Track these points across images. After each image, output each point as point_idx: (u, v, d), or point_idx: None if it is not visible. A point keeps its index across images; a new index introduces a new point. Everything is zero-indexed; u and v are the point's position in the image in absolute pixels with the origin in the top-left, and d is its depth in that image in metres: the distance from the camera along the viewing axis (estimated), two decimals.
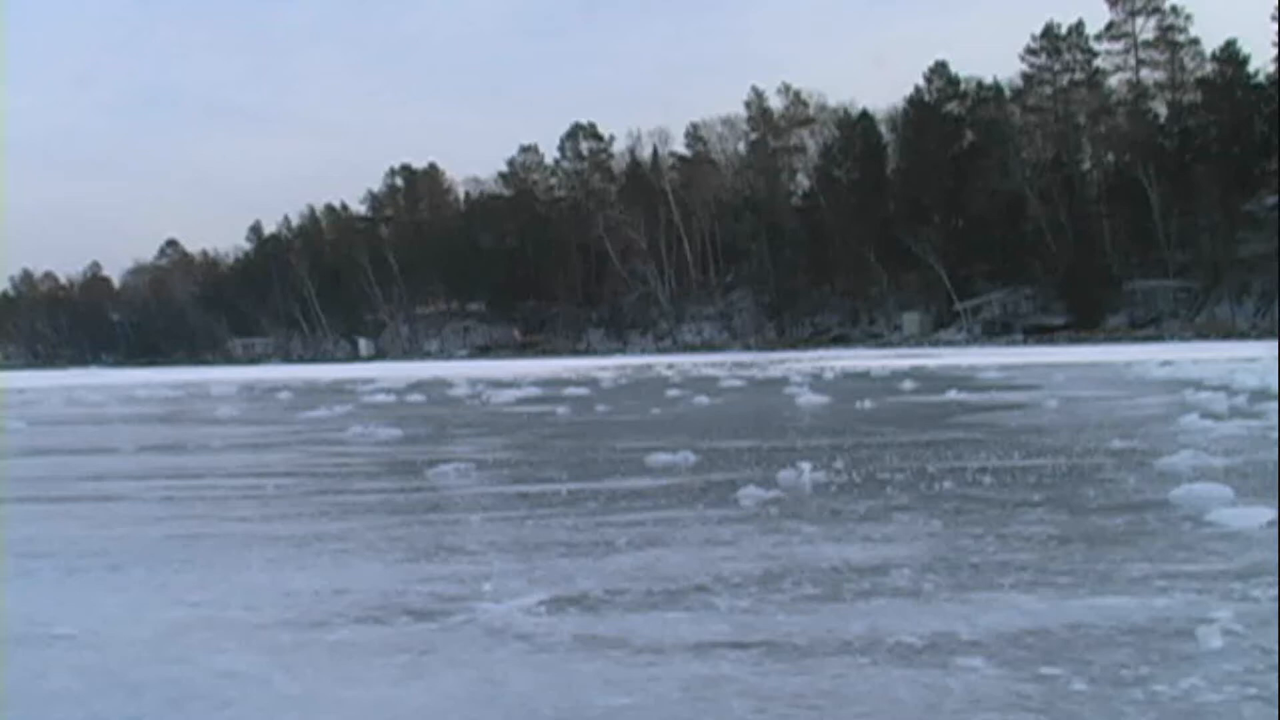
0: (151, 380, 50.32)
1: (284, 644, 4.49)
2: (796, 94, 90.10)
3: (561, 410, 19.23)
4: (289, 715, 3.71)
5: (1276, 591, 4.77)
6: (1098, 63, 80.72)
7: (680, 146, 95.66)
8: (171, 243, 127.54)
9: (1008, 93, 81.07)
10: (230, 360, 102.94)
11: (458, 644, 4.41)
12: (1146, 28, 79.94)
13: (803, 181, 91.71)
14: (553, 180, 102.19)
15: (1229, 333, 63.20)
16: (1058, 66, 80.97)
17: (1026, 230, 76.87)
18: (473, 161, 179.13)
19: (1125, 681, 3.71)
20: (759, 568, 5.62)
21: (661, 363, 55.98)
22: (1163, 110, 77.81)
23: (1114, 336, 68.04)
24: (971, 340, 73.89)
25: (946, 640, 4.23)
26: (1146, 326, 70.21)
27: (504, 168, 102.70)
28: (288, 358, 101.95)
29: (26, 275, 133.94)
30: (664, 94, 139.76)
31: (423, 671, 4.09)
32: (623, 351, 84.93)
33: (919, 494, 8.03)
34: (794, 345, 78.55)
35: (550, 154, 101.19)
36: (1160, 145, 74.20)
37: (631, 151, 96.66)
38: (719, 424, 15.99)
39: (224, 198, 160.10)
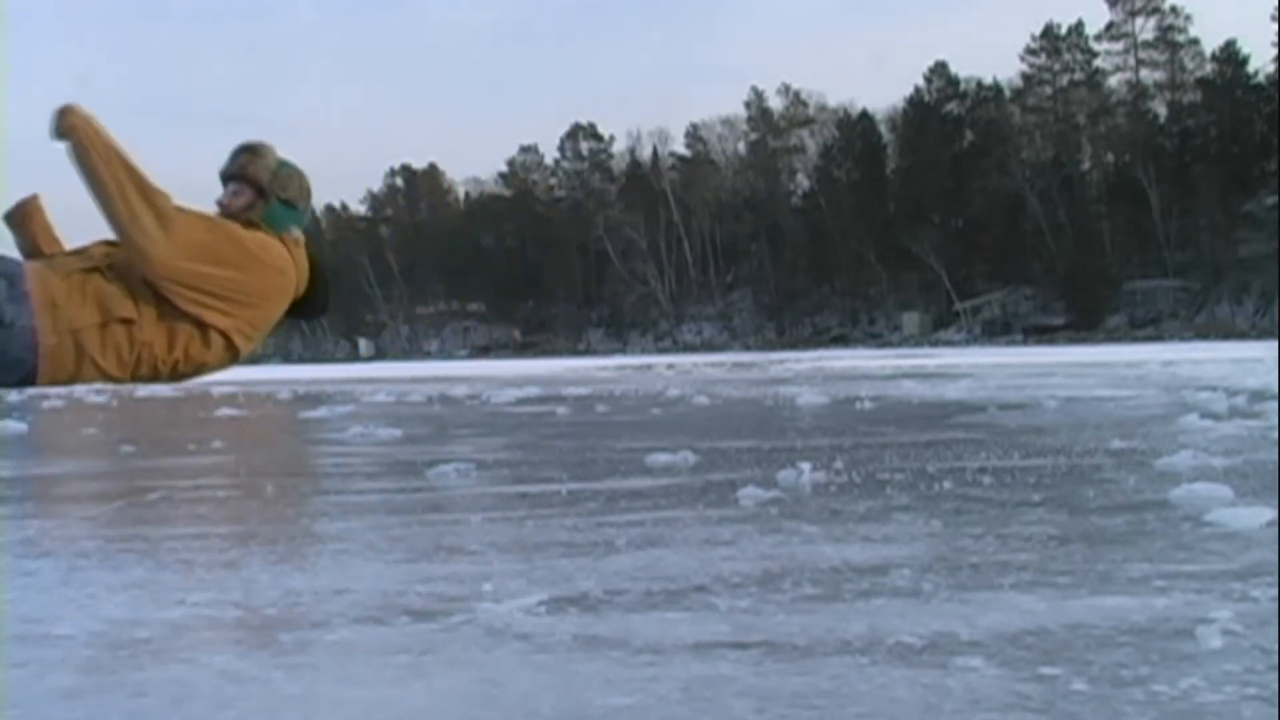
0: None
1: (284, 644, 4.49)
2: (796, 94, 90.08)
3: (561, 410, 19.24)
4: (289, 715, 3.71)
5: (1276, 591, 4.77)
6: (1097, 63, 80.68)
7: (680, 146, 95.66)
8: None
9: (1007, 93, 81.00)
10: None
11: (458, 644, 4.41)
12: (1146, 28, 79.95)
13: (803, 181, 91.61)
14: (553, 180, 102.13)
15: (1229, 333, 63.17)
16: (1057, 67, 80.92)
17: (1026, 230, 76.82)
18: (473, 161, 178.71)
19: (1125, 681, 3.71)
20: (759, 568, 5.62)
21: (661, 363, 55.98)
22: (1162, 110, 77.77)
23: (1114, 336, 68.04)
24: (971, 340, 73.87)
25: (946, 640, 4.23)
26: (1146, 326, 70.19)
27: (504, 168, 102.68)
28: (288, 358, 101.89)
29: None
30: (664, 94, 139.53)
31: (423, 671, 4.09)
32: (623, 352, 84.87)
33: (919, 494, 8.03)
34: (794, 345, 78.49)
35: (550, 154, 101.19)
36: (1160, 145, 74.17)
37: (631, 151, 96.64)
38: (719, 424, 15.99)
39: None
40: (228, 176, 2.78)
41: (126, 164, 2.56)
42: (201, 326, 2.61)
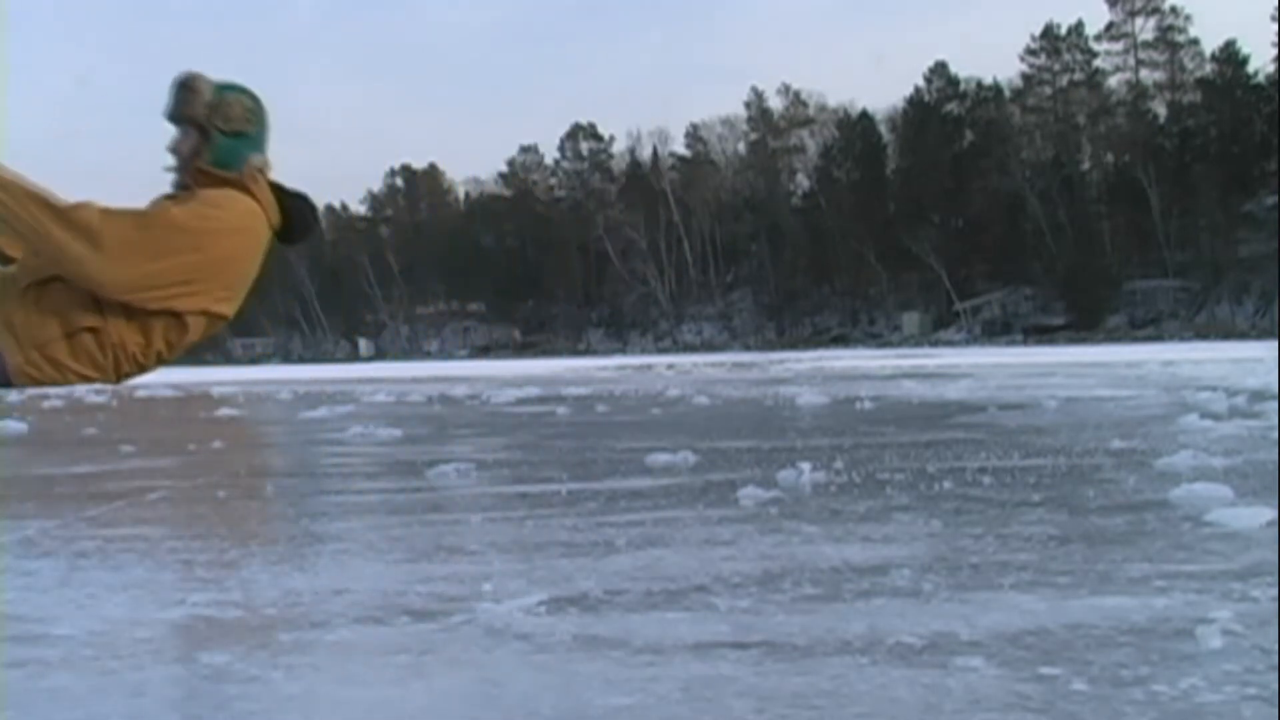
0: (151, 381, 50.31)
1: (284, 644, 4.49)
2: (796, 94, 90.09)
3: (561, 410, 19.23)
4: (289, 715, 3.71)
5: (1276, 591, 4.77)
6: (1097, 63, 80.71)
7: (680, 146, 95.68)
8: None
9: (1007, 93, 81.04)
10: (230, 360, 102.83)
11: (458, 644, 4.42)
12: (1146, 28, 79.98)
13: (803, 181, 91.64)
14: (553, 180, 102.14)
15: (1229, 333, 63.19)
16: (1057, 67, 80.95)
17: (1026, 230, 76.85)
18: (473, 161, 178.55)
19: (1125, 681, 3.71)
20: (759, 568, 5.62)
21: (661, 363, 55.97)
22: (1162, 110, 77.81)
23: (1114, 336, 68.06)
24: (971, 340, 73.89)
25: (946, 640, 4.23)
26: (1146, 326, 70.22)
27: (504, 168, 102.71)
28: (288, 358, 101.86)
29: None
30: (664, 94, 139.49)
31: (423, 671, 4.09)
32: (623, 352, 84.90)
33: (919, 494, 8.03)
34: (794, 345, 78.50)
35: (550, 154, 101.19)
36: (1160, 145, 74.21)
37: (631, 151, 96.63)
38: (719, 424, 15.99)
39: None
40: (170, 119, 2.59)
41: (32, 194, 2.42)
42: (175, 314, 2.52)
